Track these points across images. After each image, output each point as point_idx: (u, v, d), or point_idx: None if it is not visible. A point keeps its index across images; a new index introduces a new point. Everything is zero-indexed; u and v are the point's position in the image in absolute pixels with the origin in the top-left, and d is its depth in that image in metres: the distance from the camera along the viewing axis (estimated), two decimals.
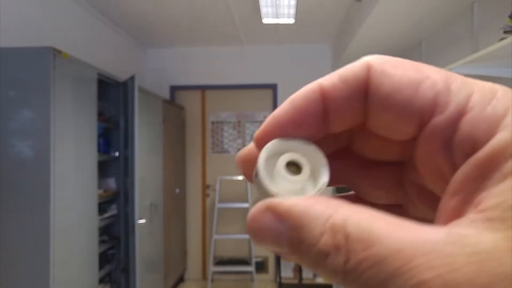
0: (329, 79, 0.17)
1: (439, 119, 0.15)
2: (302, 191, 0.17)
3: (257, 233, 0.15)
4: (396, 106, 0.15)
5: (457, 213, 0.13)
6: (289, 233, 0.14)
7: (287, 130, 0.18)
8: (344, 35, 3.57)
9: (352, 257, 0.13)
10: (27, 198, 1.95)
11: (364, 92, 0.16)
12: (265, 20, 3.47)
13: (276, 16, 3.36)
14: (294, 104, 0.18)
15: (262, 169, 0.17)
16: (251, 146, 0.19)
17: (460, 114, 0.14)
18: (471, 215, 0.13)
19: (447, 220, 0.14)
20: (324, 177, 0.17)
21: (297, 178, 0.17)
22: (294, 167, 0.17)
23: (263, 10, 3.22)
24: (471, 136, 0.14)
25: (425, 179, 0.17)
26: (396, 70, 0.16)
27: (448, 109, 0.14)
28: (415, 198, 0.19)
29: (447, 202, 0.14)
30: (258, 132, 0.18)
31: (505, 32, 1.74)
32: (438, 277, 0.11)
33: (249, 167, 0.19)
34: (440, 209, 0.15)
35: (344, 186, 0.22)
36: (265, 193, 0.17)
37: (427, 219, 0.17)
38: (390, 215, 0.13)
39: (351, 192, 0.22)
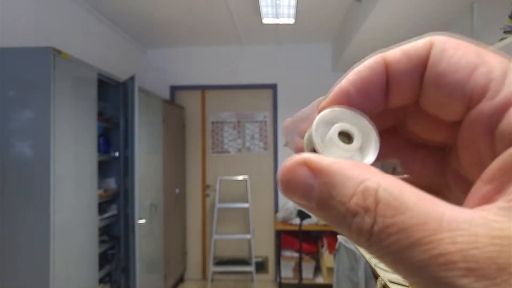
0: (393, 53, 0.18)
1: (486, 105, 0.15)
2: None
3: (289, 183, 0.16)
4: (448, 85, 0.16)
5: (487, 200, 0.14)
6: (321, 188, 0.15)
7: (353, 100, 0.18)
8: (344, 35, 3.57)
9: (379, 221, 0.13)
10: (27, 198, 1.95)
11: (425, 68, 0.17)
12: (265, 20, 3.47)
13: (276, 16, 3.36)
14: (360, 74, 0.18)
15: (315, 127, 0.18)
16: (302, 113, 0.20)
17: (508, 104, 0.14)
18: (500, 203, 0.13)
19: (476, 205, 0.14)
20: (371, 156, 0.18)
21: (346, 146, 0.18)
22: (345, 138, 0.18)
23: (263, 10, 3.22)
24: None
25: (464, 164, 0.17)
26: (456, 51, 0.16)
27: (498, 96, 0.14)
28: (453, 185, 0.19)
29: (480, 188, 0.14)
30: (324, 102, 0.19)
31: (505, 32, 1.74)
32: (459, 252, 0.12)
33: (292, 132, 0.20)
34: (472, 193, 0.15)
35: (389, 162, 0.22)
36: (312, 150, 0.18)
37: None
38: (422, 191, 0.14)
39: None
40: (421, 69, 0.17)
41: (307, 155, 0.16)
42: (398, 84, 0.17)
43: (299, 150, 0.19)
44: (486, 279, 0.12)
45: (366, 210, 0.14)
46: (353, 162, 0.15)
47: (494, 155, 0.14)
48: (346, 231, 0.15)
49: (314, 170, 0.15)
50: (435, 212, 0.13)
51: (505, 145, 0.14)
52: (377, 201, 0.14)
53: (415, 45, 0.17)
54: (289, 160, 0.16)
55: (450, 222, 0.13)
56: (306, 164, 0.16)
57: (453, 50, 0.16)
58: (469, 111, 0.16)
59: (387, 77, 0.17)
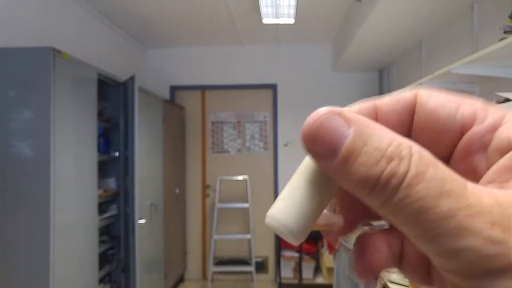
0: (382, 99, 0.20)
1: (478, 128, 0.18)
2: None
3: (319, 129, 0.16)
4: (441, 118, 0.19)
5: None
6: (355, 137, 0.16)
7: None
8: (344, 35, 3.57)
9: (413, 168, 0.15)
10: (27, 198, 1.95)
11: (412, 110, 0.19)
12: (265, 20, 3.47)
13: (276, 16, 3.36)
14: (351, 108, 0.20)
15: None
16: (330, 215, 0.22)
17: (496, 125, 0.17)
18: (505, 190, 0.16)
19: None
20: None
21: None
22: None
23: (263, 10, 3.22)
24: (508, 139, 0.17)
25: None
26: (439, 94, 0.19)
27: (486, 121, 0.18)
28: None
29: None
30: None
31: (505, 32, 1.74)
32: (485, 207, 0.14)
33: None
34: None
35: None
36: None
37: None
38: None
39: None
40: (408, 110, 0.19)
41: (338, 108, 0.17)
42: (385, 121, 0.19)
43: None
44: (509, 231, 0.14)
45: (402, 158, 0.15)
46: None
47: (489, 166, 0.17)
48: (373, 178, 0.15)
49: (349, 120, 0.16)
50: (460, 178, 0.15)
51: (499, 155, 0.17)
52: (411, 154, 0.15)
53: (402, 93, 0.20)
54: (319, 110, 0.17)
55: (473, 187, 0.15)
56: (340, 114, 0.17)
57: (437, 94, 0.19)
58: (462, 136, 0.18)
59: (376, 116, 0.20)
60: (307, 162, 0.19)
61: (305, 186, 0.18)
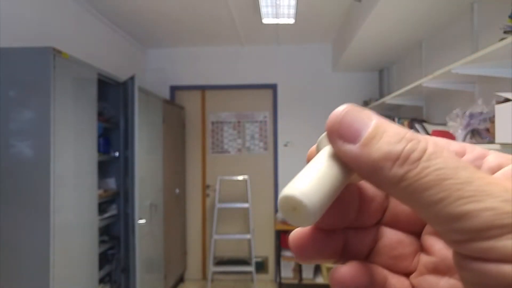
0: None
1: (470, 155, 0.21)
2: None
3: (345, 117, 0.19)
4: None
5: None
6: (377, 124, 0.18)
7: None
8: (344, 35, 3.57)
9: (431, 145, 0.17)
10: (27, 198, 1.95)
11: None
12: (265, 20, 3.47)
13: (276, 16, 3.36)
14: None
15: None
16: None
17: (484, 155, 0.21)
18: None
19: None
20: None
21: None
22: None
23: (263, 10, 3.22)
24: (498, 162, 0.20)
25: None
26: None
27: (475, 151, 0.21)
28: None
29: None
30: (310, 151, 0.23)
31: (505, 32, 1.74)
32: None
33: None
34: None
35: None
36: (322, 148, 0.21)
37: None
38: None
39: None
40: None
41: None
42: None
43: (311, 154, 0.22)
44: None
45: (420, 140, 0.18)
46: None
47: None
48: (395, 153, 0.17)
49: (370, 114, 0.19)
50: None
51: (490, 174, 0.20)
52: (427, 139, 0.18)
53: None
54: (344, 105, 0.19)
55: (482, 174, 0.17)
56: (363, 110, 0.19)
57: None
58: None
59: None
60: (322, 153, 0.20)
61: (324, 169, 0.19)
